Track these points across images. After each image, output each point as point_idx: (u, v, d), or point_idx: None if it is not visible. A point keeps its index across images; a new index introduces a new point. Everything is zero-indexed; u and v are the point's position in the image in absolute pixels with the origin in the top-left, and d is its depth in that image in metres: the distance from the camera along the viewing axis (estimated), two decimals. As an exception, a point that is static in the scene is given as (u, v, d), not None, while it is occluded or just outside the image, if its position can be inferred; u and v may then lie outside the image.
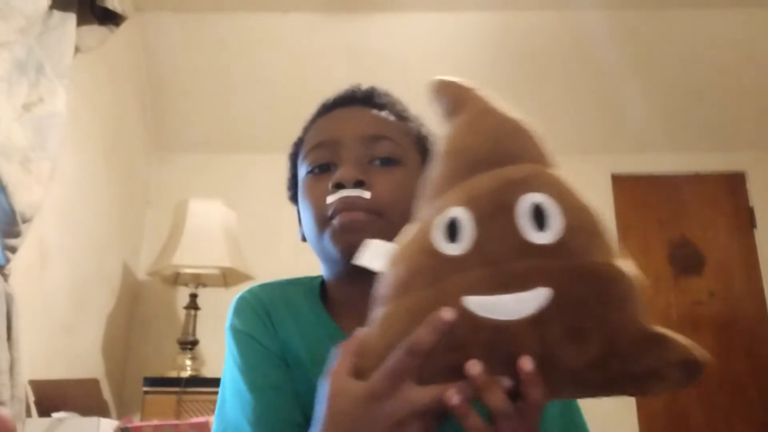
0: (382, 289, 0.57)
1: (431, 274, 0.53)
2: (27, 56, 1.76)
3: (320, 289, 0.82)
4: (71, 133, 2.09)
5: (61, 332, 2.18)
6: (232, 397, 0.73)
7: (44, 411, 1.81)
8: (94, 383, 2.02)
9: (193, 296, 2.57)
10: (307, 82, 2.92)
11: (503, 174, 0.54)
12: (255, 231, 2.79)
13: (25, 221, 1.68)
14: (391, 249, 0.58)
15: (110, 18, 2.14)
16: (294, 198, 0.84)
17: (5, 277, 1.64)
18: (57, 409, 1.79)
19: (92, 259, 2.42)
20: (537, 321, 0.49)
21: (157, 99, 2.94)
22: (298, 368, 0.74)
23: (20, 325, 1.62)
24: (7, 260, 1.67)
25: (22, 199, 1.65)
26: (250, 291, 0.80)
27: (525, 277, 0.50)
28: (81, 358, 2.33)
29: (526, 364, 0.49)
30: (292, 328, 0.76)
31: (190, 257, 2.45)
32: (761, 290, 2.97)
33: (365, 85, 0.84)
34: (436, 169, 0.60)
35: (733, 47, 2.85)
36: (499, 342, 0.50)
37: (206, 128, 3.04)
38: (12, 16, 1.68)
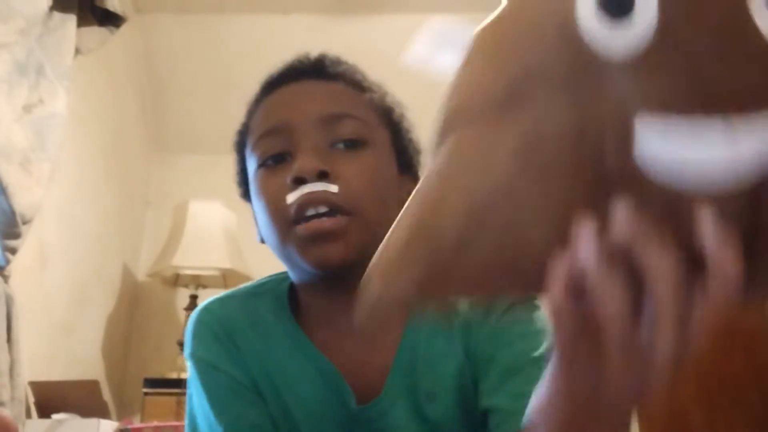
0: (457, 99, 0.34)
1: (574, 73, 0.30)
2: (27, 58, 1.76)
3: (289, 292, 0.70)
4: (71, 135, 2.08)
5: (61, 333, 2.18)
6: (206, 429, 0.65)
7: (44, 412, 1.81)
8: (94, 384, 2.02)
9: (194, 297, 2.57)
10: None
11: None
12: (255, 232, 2.78)
13: (25, 222, 1.68)
14: (464, 39, 0.35)
15: (110, 19, 2.14)
16: (246, 195, 0.72)
17: (5, 279, 1.64)
18: (57, 411, 1.79)
19: (92, 261, 2.41)
20: (753, 176, 0.28)
21: (158, 100, 2.94)
22: (270, 393, 0.65)
23: (20, 326, 1.62)
24: (7, 261, 1.67)
25: (22, 201, 1.65)
26: (208, 310, 0.69)
27: (753, 87, 0.28)
28: (81, 359, 2.33)
29: (708, 219, 0.29)
30: (259, 350, 0.66)
31: (190, 258, 2.45)
32: (761, 291, 2.97)
33: (313, 53, 0.71)
34: None
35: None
36: (677, 206, 0.29)
37: (206, 129, 3.04)
38: (12, 18, 1.68)
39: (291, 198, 0.60)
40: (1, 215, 1.63)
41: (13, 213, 1.63)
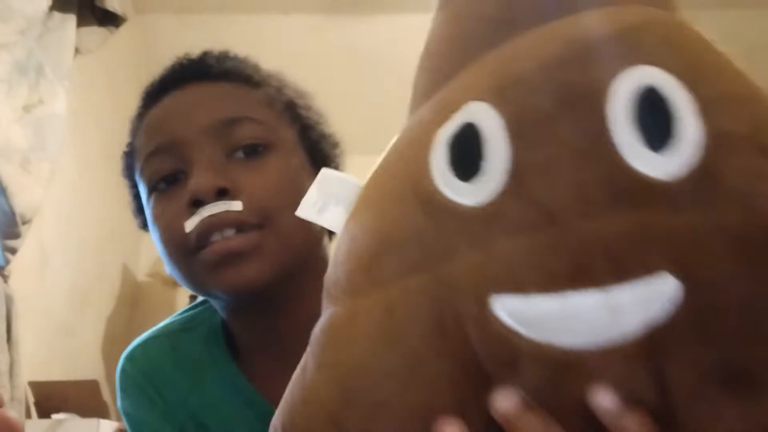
0: (338, 267, 0.32)
1: (427, 245, 0.28)
2: (27, 58, 1.76)
3: (223, 322, 0.62)
4: (71, 135, 2.08)
5: (61, 333, 2.18)
6: None
7: (44, 412, 1.81)
8: (94, 384, 2.02)
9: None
10: (306, 84, 2.91)
11: (576, 27, 0.27)
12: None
13: (25, 223, 1.68)
14: (354, 188, 0.34)
15: (110, 19, 2.14)
16: (145, 226, 0.62)
17: (5, 279, 1.64)
18: (57, 411, 1.79)
19: (92, 261, 2.41)
20: (648, 347, 0.24)
21: (157, 100, 2.94)
22: None
23: (20, 326, 1.62)
24: (7, 262, 1.67)
25: (22, 201, 1.65)
26: (131, 358, 0.63)
27: (623, 252, 0.24)
28: (81, 359, 2.33)
29: (605, 398, 0.25)
30: (188, 395, 0.60)
31: (190, 258, 2.45)
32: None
33: (195, 52, 0.63)
34: (432, 43, 0.34)
35: (733, 47, 2.84)
36: (562, 389, 0.26)
37: (206, 129, 3.04)
38: (12, 18, 1.68)
39: (189, 225, 0.51)
40: (1, 215, 1.63)
41: (13, 213, 1.63)
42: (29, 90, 1.76)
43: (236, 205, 0.50)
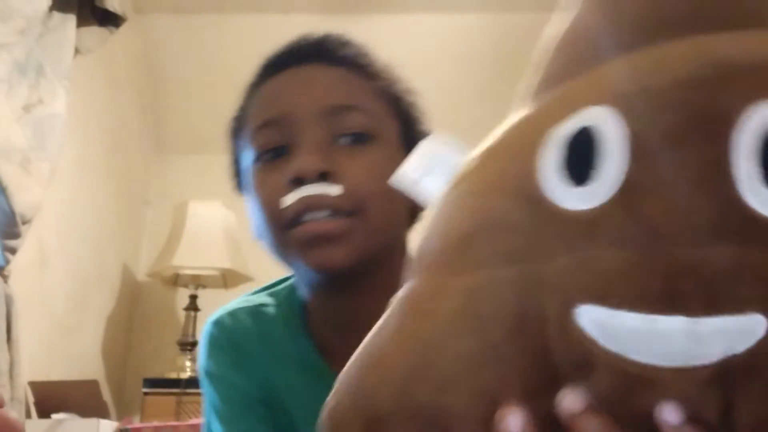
0: (433, 238, 0.32)
1: (524, 240, 0.28)
2: (27, 58, 1.76)
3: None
4: (71, 135, 2.08)
5: (60, 333, 2.18)
6: None
7: (44, 412, 1.81)
8: (93, 384, 2.02)
9: (193, 297, 2.57)
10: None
11: (710, 47, 0.26)
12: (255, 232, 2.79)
13: (24, 222, 1.68)
14: (456, 162, 0.33)
15: (110, 19, 2.14)
16: (240, 187, 0.67)
17: (5, 279, 1.64)
18: (57, 411, 1.79)
19: (92, 261, 2.42)
20: (721, 374, 0.24)
21: (157, 100, 2.94)
22: (278, 409, 0.62)
23: (20, 326, 1.62)
24: (7, 261, 1.67)
25: (21, 201, 1.65)
26: (219, 324, 0.66)
27: (721, 286, 0.24)
28: (81, 359, 2.33)
29: (672, 415, 0.25)
30: (268, 365, 0.63)
31: (190, 258, 2.45)
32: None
33: (317, 33, 0.64)
34: (570, 30, 0.32)
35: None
36: (629, 400, 0.26)
37: (206, 130, 3.04)
38: (11, 18, 1.68)
39: (288, 200, 0.55)
40: (1, 215, 1.63)
41: (12, 213, 1.63)
42: (29, 90, 1.76)
43: (335, 190, 0.54)
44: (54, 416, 1.74)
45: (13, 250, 1.68)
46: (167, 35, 2.83)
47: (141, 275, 2.81)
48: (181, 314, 2.61)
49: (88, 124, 2.35)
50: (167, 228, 2.61)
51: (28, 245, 1.78)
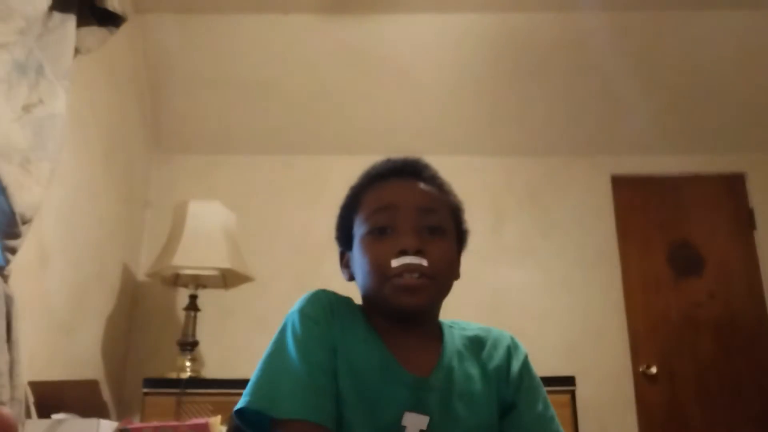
0: None
1: None
2: (27, 58, 1.76)
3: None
4: (71, 135, 2.09)
5: (60, 333, 2.18)
6: (281, 363, 0.82)
7: (44, 412, 1.81)
8: (93, 384, 2.02)
9: (193, 297, 2.57)
10: (306, 84, 2.91)
11: None
12: (254, 232, 2.79)
13: (25, 222, 1.68)
14: None
15: (110, 19, 2.14)
16: (341, 240, 0.96)
17: (5, 279, 1.64)
18: (56, 411, 1.79)
19: (92, 261, 2.42)
20: None
21: (157, 100, 2.94)
22: (345, 374, 0.84)
23: (20, 326, 1.62)
24: (7, 261, 1.67)
25: (22, 201, 1.65)
26: (324, 292, 0.90)
27: None
28: (81, 359, 2.33)
29: None
30: (348, 336, 0.87)
31: (190, 258, 2.45)
32: (761, 291, 2.97)
33: (409, 156, 0.96)
34: None
35: (733, 48, 2.85)
36: None
37: (206, 129, 3.04)
38: (12, 18, 1.68)
39: (396, 263, 0.85)
40: (1, 215, 1.63)
41: (13, 213, 1.63)
42: (29, 90, 1.76)
43: (424, 262, 0.85)
44: (54, 416, 1.74)
45: (13, 251, 1.68)
46: (167, 35, 2.83)
47: (141, 275, 2.81)
48: (181, 314, 2.61)
49: (88, 124, 2.35)
50: (167, 228, 2.61)
51: (28, 245, 1.78)
